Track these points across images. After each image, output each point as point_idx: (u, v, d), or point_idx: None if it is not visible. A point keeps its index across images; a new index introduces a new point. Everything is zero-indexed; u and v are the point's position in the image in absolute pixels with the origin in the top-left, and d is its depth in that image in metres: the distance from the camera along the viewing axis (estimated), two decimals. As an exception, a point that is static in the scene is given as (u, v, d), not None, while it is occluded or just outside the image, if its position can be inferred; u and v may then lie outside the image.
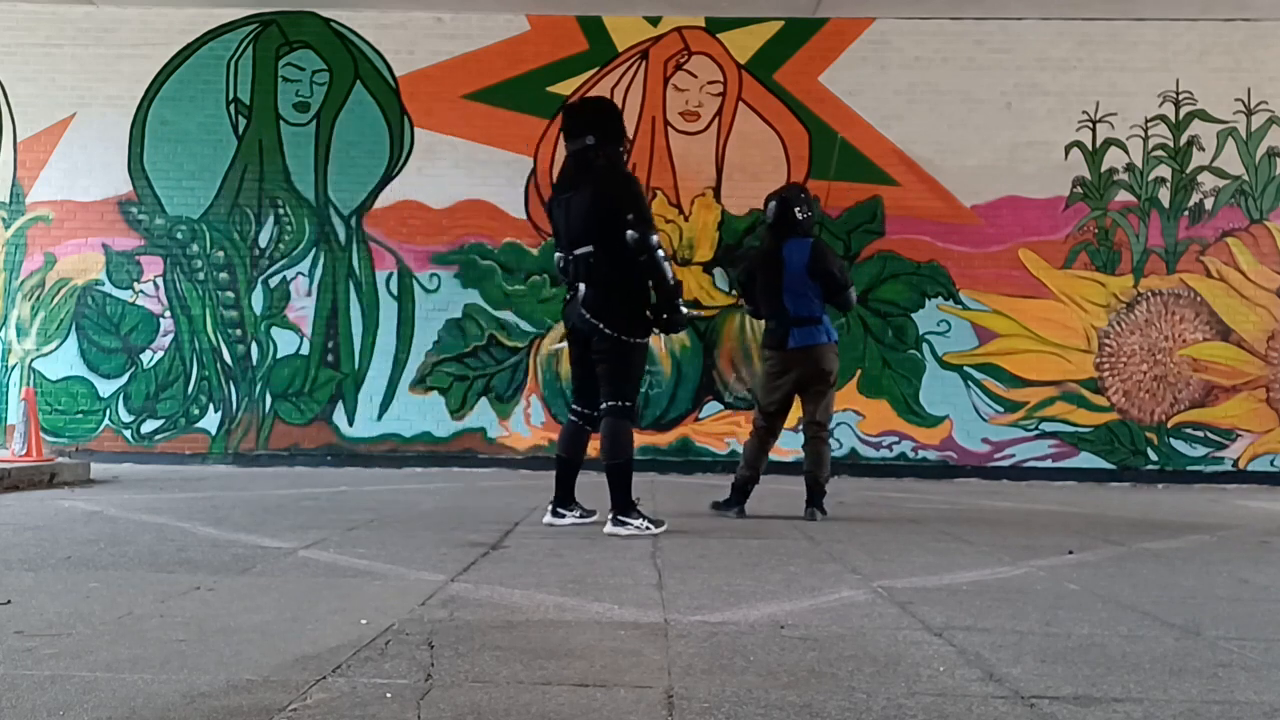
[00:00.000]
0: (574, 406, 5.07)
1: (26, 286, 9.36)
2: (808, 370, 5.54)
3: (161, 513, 5.17)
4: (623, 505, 4.77)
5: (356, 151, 9.34)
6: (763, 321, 5.94)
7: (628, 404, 4.84)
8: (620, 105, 9.37)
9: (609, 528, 4.75)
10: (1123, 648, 2.59)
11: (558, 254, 5.03)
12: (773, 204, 5.70)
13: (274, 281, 9.30)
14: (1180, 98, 9.31)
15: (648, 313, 4.86)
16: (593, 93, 9.36)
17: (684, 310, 4.89)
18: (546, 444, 9.17)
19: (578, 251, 4.80)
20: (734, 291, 9.17)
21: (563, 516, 4.99)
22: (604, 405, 4.86)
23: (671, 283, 4.79)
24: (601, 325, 4.76)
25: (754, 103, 9.38)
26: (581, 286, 4.80)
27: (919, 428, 9.18)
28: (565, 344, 5.26)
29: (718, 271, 9.30)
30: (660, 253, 4.76)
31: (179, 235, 9.36)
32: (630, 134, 9.37)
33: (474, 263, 9.31)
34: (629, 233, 4.67)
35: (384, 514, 5.31)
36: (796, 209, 5.61)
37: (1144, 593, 3.42)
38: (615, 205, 4.72)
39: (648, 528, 4.73)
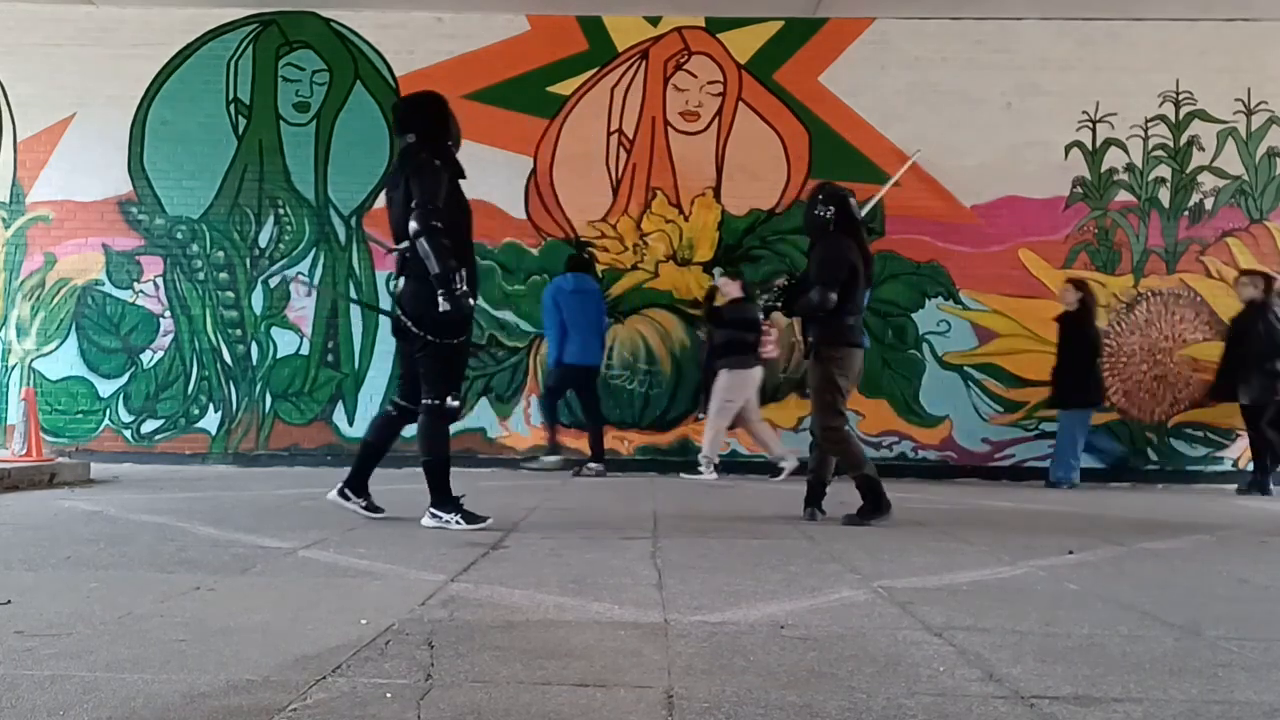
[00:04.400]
0: (394, 398, 5.09)
1: (26, 286, 9.36)
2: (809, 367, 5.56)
3: (161, 513, 5.17)
4: (438, 500, 4.83)
5: (356, 151, 9.33)
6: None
7: (438, 402, 4.81)
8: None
9: (425, 520, 4.84)
10: (1123, 648, 2.59)
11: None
12: None
13: (274, 281, 9.30)
14: (1180, 98, 9.31)
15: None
16: (592, 92, 9.38)
17: (458, 300, 4.66)
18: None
19: (398, 246, 4.82)
20: None
21: (348, 499, 5.00)
22: (421, 404, 4.86)
23: (438, 270, 4.62)
24: (411, 325, 4.76)
25: (754, 103, 9.38)
26: (400, 281, 4.84)
27: (919, 428, 9.18)
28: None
29: (718, 271, 9.29)
30: (433, 241, 4.58)
31: (179, 235, 9.36)
32: (630, 134, 9.38)
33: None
34: (414, 224, 4.59)
35: (384, 514, 5.29)
36: (815, 209, 5.55)
37: (1144, 593, 3.42)
38: (412, 189, 4.67)
39: (458, 523, 4.74)
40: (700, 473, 8.41)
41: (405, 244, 4.74)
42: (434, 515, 4.83)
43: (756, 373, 8.44)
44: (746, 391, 8.41)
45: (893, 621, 2.86)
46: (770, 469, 8.52)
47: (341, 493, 5.04)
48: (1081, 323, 8.60)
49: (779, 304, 5.69)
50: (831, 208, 5.47)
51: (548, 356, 8.73)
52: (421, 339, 4.75)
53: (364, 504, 5.05)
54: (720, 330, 8.42)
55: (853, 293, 5.40)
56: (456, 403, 4.91)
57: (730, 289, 8.51)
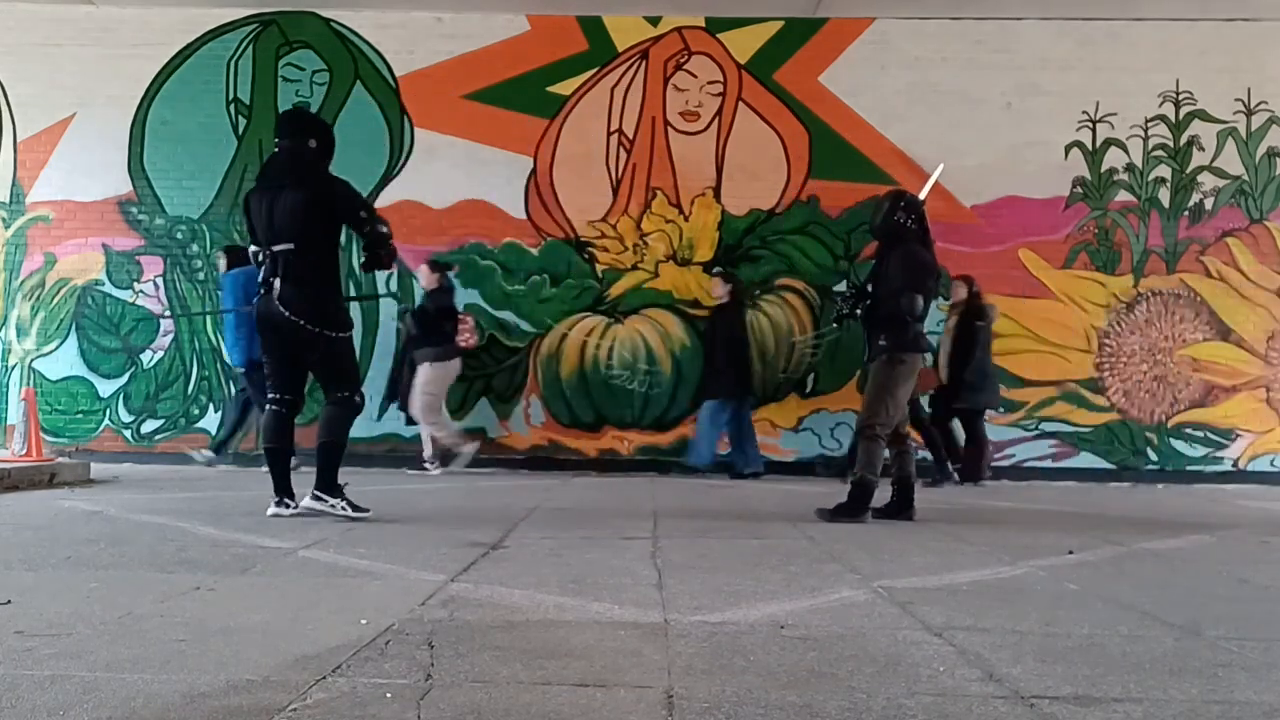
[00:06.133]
0: (275, 395, 5.17)
1: (26, 286, 9.36)
2: None
3: (161, 513, 5.17)
4: (325, 484, 5.06)
5: (356, 151, 9.30)
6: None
7: (350, 395, 5.14)
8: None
9: (306, 501, 5.05)
10: (1123, 648, 2.59)
11: (253, 248, 5.19)
12: None
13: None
14: (1180, 98, 9.31)
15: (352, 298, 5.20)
16: (592, 92, 9.38)
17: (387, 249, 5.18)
18: (546, 444, 9.17)
19: (277, 248, 4.96)
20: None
21: (289, 506, 5.09)
22: (333, 397, 5.14)
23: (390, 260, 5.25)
24: (303, 323, 4.93)
25: (754, 103, 9.38)
26: (277, 282, 4.96)
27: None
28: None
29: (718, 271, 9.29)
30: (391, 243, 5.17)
31: (179, 235, 9.36)
32: (630, 134, 9.38)
33: (474, 263, 9.31)
34: (381, 228, 5.03)
35: (384, 514, 5.30)
36: (895, 216, 5.61)
37: (1144, 593, 3.42)
38: (339, 206, 5.02)
39: (344, 509, 5.00)
40: (426, 469, 8.42)
41: (288, 245, 4.93)
42: (319, 498, 5.04)
43: (456, 364, 8.48)
44: (448, 382, 8.45)
45: (893, 621, 2.86)
46: (417, 464, 8.55)
47: (281, 504, 5.10)
48: (731, 315, 8.67)
49: (855, 312, 5.67)
50: (912, 216, 5.59)
51: (233, 353, 8.44)
52: (322, 337, 4.99)
53: (299, 504, 5.12)
54: (416, 322, 8.38)
55: (927, 301, 5.57)
56: (360, 398, 5.23)
57: (428, 279, 8.48)
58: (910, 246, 5.52)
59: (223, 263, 8.55)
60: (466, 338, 8.74)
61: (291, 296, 4.93)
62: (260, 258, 5.07)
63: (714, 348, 8.78)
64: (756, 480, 8.35)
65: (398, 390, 8.73)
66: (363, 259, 5.28)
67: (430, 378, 8.28)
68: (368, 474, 8.40)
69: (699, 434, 8.75)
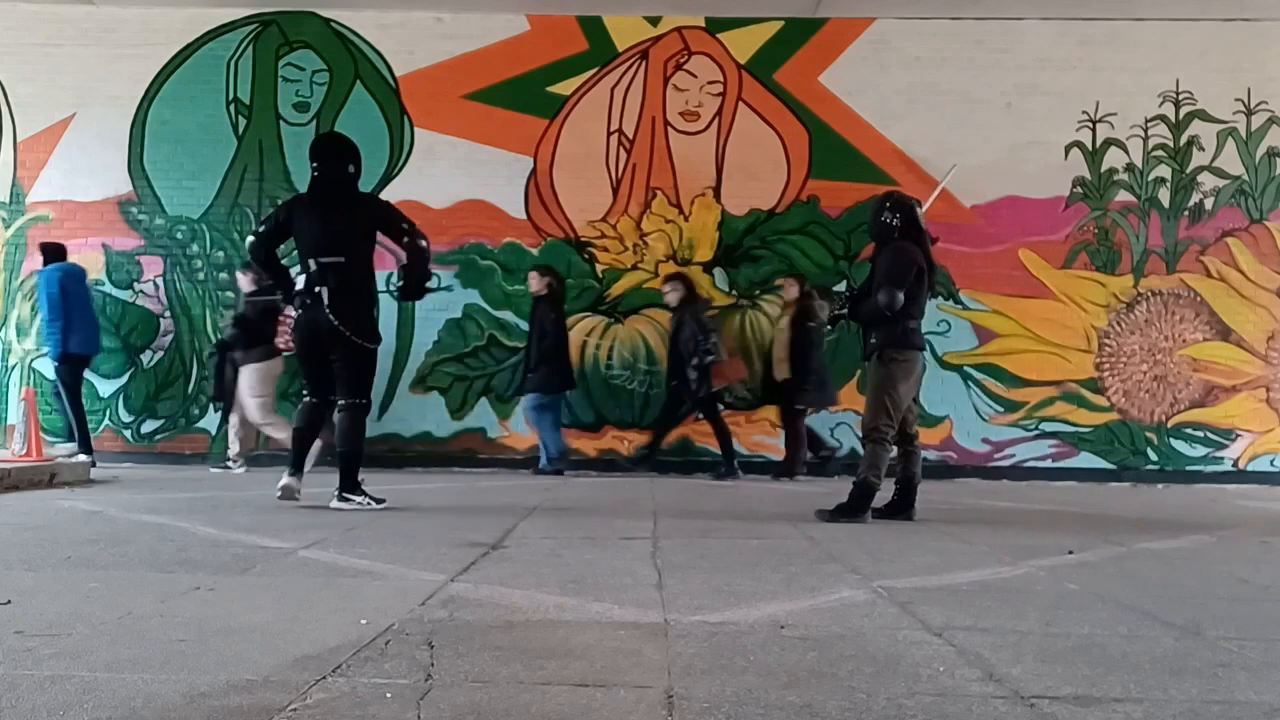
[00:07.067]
0: (313, 397, 5.61)
1: (26, 286, 9.36)
2: None
3: (161, 513, 5.17)
4: (348, 486, 5.47)
5: (357, 152, 9.29)
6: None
7: (364, 401, 5.58)
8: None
9: (334, 503, 5.43)
10: (1123, 648, 2.58)
11: (254, 244, 5.62)
12: None
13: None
14: (1180, 98, 9.31)
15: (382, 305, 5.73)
16: (592, 92, 9.38)
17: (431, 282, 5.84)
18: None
19: (325, 260, 5.31)
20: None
21: (299, 479, 5.53)
22: (345, 401, 5.51)
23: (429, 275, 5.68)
24: (350, 334, 5.35)
25: (754, 103, 9.38)
26: (325, 292, 5.29)
27: (919, 427, 9.15)
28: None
29: (718, 271, 9.30)
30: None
31: (179, 235, 9.36)
32: (630, 134, 9.39)
33: (474, 263, 9.31)
34: (421, 241, 5.42)
35: (384, 514, 5.31)
36: (881, 216, 5.64)
37: (1144, 593, 3.42)
38: (390, 219, 5.50)
39: (368, 504, 5.41)
40: (229, 468, 8.44)
41: (338, 259, 5.30)
42: (347, 499, 5.44)
43: (278, 363, 8.51)
44: (274, 381, 8.49)
45: (893, 621, 2.86)
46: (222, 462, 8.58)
47: (294, 475, 5.51)
48: (543, 310, 8.65)
49: (845, 311, 5.77)
50: (898, 215, 5.59)
51: (50, 348, 8.43)
52: (360, 347, 5.40)
53: (302, 477, 5.55)
54: (233, 326, 8.34)
55: (916, 296, 5.52)
56: (367, 401, 5.66)
57: (245, 282, 8.40)
58: (896, 244, 5.51)
59: (39, 259, 8.58)
60: (287, 339, 8.67)
61: (340, 306, 5.31)
62: (300, 268, 5.43)
63: (529, 342, 8.76)
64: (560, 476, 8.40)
65: (216, 391, 8.68)
66: (399, 283, 5.62)
67: (257, 380, 8.29)
68: (367, 473, 8.41)
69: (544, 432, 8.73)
